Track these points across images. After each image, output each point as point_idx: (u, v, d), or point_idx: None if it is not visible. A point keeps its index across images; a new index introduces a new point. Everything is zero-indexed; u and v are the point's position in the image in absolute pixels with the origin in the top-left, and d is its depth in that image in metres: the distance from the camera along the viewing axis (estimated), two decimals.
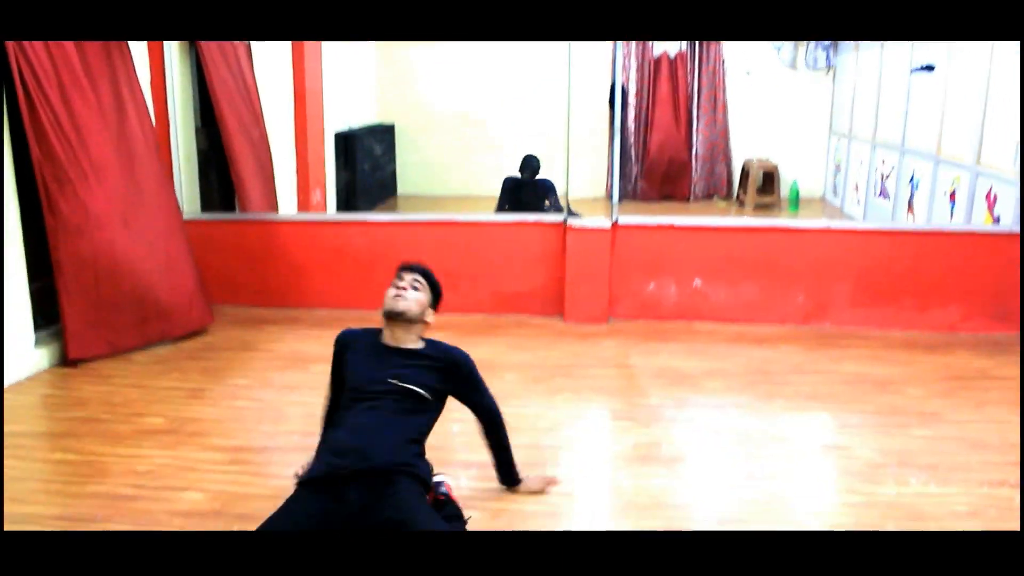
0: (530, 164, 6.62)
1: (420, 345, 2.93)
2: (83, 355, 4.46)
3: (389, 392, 2.76)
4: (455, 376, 2.92)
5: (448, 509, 2.80)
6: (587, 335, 5.17)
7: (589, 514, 3.01)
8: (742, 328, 5.31)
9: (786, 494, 3.16)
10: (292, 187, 7.01)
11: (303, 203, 7.04)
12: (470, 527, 2.79)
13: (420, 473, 2.64)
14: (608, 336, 5.17)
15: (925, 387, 4.25)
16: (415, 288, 2.93)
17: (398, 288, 2.91)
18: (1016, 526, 2.90)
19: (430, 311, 2.97)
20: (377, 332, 2.97)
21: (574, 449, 3.57)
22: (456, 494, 2.99)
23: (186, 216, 5.43)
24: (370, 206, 9.09)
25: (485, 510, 2.98)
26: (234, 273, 5.71)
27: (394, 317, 2.88)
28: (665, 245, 5.42)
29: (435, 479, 2.87)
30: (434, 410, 2.87)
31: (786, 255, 5.35)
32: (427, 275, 3.00)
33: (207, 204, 5.98)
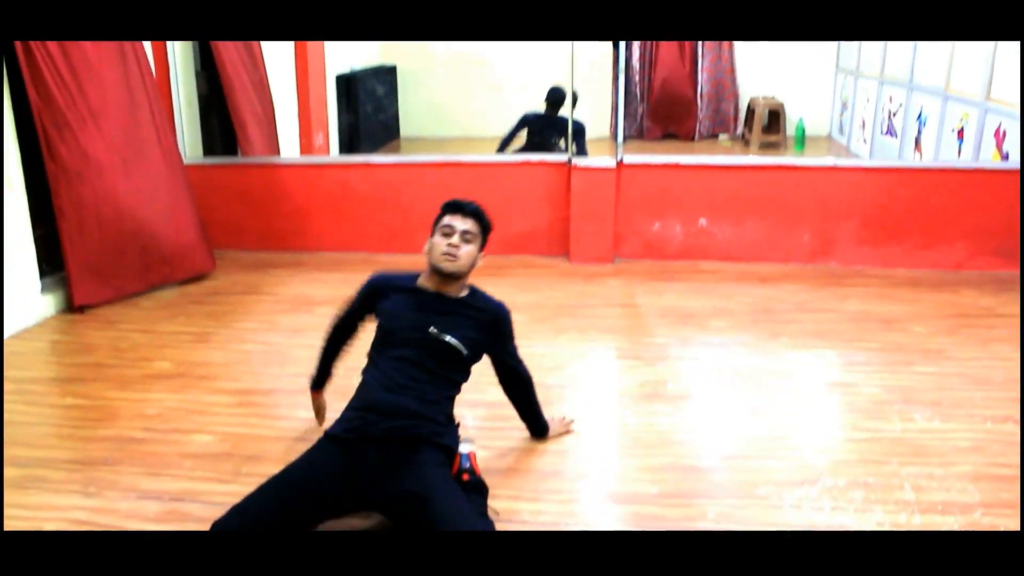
0: (557, 96, 6.18)
1: (464, 293, 2.74)
2: (88, 301, 4.46)
3: (426, 343, 2.59)
4: (495, 331, 2.74)
5: (471, 481, 2.51)
6: (592, 275, 5.15)
7: (596, 452, 3.02)
8: (747, 267, 5.29)
9: (791, 431, 3.17)
10: (294, 130, 6.94)
11: (305, 146, 6.98)
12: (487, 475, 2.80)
13: (446, 443, 2.50)
14: (613, 276, 5.16)
15: (930, 325, 4.24)
16: (467, 241, 2.65)
17: (449, 245, 2.62)
18: (1017, 460, 2.91)
19: (480, 257, 2.72)
20: (414, 277, 2.76)
21: (580, 388, 3.58)
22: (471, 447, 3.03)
23: (187, 161, 5.39)
24: (373, 148, 9.01)
25: (492, 449, 3.00)
26: (238, 217, 5.69)
27: (442, 275, 2.67)
28: (670, 184, 5.38)
29: (461, 448, 2.56)
30: (469, 367, 2.71)
31: (792, 193, 5.30)
32: (480, 218, 2.71)
33: (209, 149, 5.93)
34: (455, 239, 2.64)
